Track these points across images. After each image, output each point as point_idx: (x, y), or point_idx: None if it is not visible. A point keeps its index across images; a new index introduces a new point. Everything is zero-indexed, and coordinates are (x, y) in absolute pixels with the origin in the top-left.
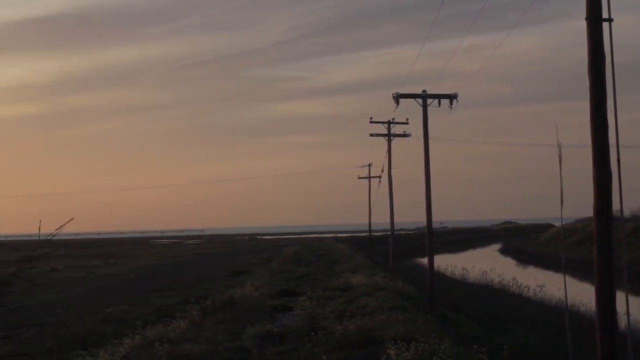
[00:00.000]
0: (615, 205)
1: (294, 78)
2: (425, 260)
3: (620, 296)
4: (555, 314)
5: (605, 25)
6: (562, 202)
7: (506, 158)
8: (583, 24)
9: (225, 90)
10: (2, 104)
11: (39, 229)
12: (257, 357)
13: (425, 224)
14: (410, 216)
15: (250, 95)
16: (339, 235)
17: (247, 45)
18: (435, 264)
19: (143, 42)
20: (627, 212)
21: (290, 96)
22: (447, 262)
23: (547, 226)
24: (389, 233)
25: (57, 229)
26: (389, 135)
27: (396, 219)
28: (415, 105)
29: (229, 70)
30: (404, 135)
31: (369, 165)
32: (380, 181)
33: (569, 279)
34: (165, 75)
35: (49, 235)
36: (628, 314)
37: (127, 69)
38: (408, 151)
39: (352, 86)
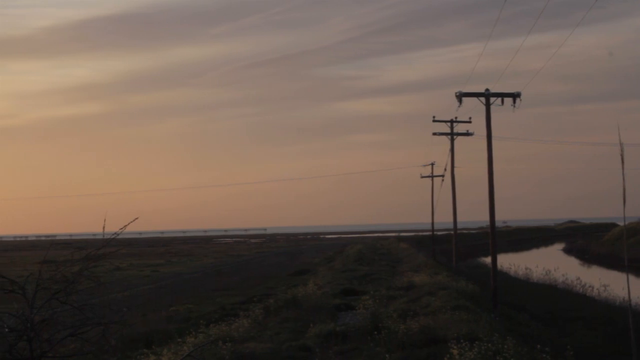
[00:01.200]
0: None
1: (358, 77)
2: (488, 260)
3: None
4: (619, 314)
5: None
6: (624, 201)
7: (569, 157)
8: None
9: (289, 89)
10: (68, 103)
11: (104, 228)
12: (320, 356)
13: (488, 222)
14: (473, 215)
15: (314, 94)
16: (402, 234)
17: (312, 44)
18: (499, 263)
19: (209, 41)
20: None
21: (353, 95)
22: (510, 262)
23: (611, 225)
24: (452, 232)
25: (121, 228)
26: (452, 134)
27: (459, 218)
28: (478, 104)
29: (293, 69)
30: (467, 134)
31: (432, 164)
32: (443, 180)
33: (632, 278)
34: (229, 75)
35: (113, 234)
36: None
37: (192, 68)
38: (471, 150)
39: (415, 85)
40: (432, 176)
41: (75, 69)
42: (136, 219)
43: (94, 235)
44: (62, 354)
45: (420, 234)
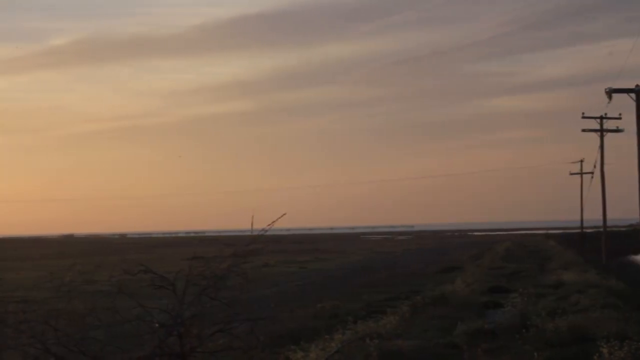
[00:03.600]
0: None
1: (506, 73)
2: (639, 258)
3: None
4: None
5: None
6: None
7: None
8: None
9: (436, 86)
10: (217, 102)
11: (252, 224)
12: (468, 354)
13: (639, 220)
14: (623, 213)
15: (460, 91)
16: (550, 231)
17: (459, 41)
18: None
19: (357, 38)
20: None
21: (500, 92)
22: None
23: None
24: (601, 230)
25: (269, 225)
26: (601, 131)
27: (608, 216)
28: (629, 100)
29: (441, 65)
30: (617, 130)
31: (581, 161)
32: (592, 177)
33: None
34: (377, 72)
35: (261, 231)
36: None
37: (340, 65)
38: (621, 147)
39: (563, 81)
40: (581, 173)
41: (224, 67)
42: (284, 215)
43: (242, 232)
44: (211, 349)
45: (568, 231)
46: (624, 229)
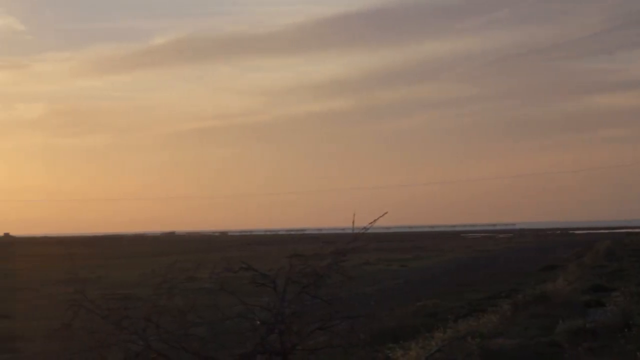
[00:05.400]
0: None
1: (607, 70)
2: None
3: None
4: None
5: None
6: None
7: None
8: None
9: (536, 84)
10: (315, 101)
11: (353, 222)
12: (569, 353)
13: None
14: None
15: (561, 89)
16: None
17: (559, 38)
18: None
19: (458, 35)
20: None
21: (601, 89)
22: None
23: None
24: None
25: (370, 223)
26: None
27: None
28: None
29: (541, 63)
30: None
31: None
32: None
33: None
34: (478, 69)
35: (362, 229)
36: None
37: (441, 62)
38: None
39: None
40: None
41: (323, 66)
42: (385, 213)
43: (343, 229)
44: (311, 346)
45: None
46: None
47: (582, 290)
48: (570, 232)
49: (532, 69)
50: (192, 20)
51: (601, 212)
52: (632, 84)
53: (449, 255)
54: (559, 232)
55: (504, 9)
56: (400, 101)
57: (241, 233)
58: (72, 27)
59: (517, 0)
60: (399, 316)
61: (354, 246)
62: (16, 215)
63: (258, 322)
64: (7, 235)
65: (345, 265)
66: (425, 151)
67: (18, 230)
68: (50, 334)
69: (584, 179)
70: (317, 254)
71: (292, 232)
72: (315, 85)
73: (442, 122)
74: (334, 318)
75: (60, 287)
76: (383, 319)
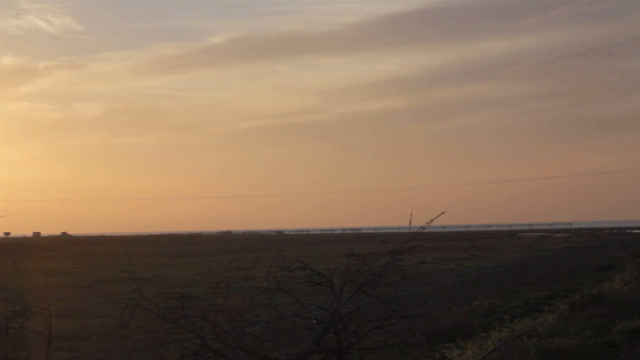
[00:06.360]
0: None
1: None
2: None
3: None
4: None
5: None
6: None
7: None
8: None
9: (593, 82)
10: (374, 99)
11: (410, 222)
12: (627, 353)
13: None
14: None
15: (620, 87)
16: None
17: (617, 36)
18: None
19: (515, 34)
20: None
21: None
22: None
23: None
24: None
25: (427, 222)
26: None
27: None
28: None
29: (598, 61)
30: None
31: None
32: None
33: None
34: (535, 68)
35: (419, 228)
36: None
37: (498, 61)
38: None
39: None
40: None
41: (381, 64)
42: (442, 213)
43: (399, 229)
44: (368, 346)
45: None
46: None
47: None
48: (628, 231)
49: (590, 67)
50: (249, 19)
51: None
52: None
53: (505, 255)
54: (616, 231)
55: (561, 8)
56: (456, 100)
57: (297, 232)
58: (129, 27)
59: None
60: (455, 316)
61: (411, 245)
62: (74, 214)
63: (314, 321)
64: (64, 234)
65: (402, 264)
66: (481, 150)
67: (75, 229)
68: (107, 332)
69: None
70: (373, 253)
71: (348, 231)
72: (372, 84)
73: (497, 121)
74: (391, 317)
75: (117, 286)
76: (439, 319)
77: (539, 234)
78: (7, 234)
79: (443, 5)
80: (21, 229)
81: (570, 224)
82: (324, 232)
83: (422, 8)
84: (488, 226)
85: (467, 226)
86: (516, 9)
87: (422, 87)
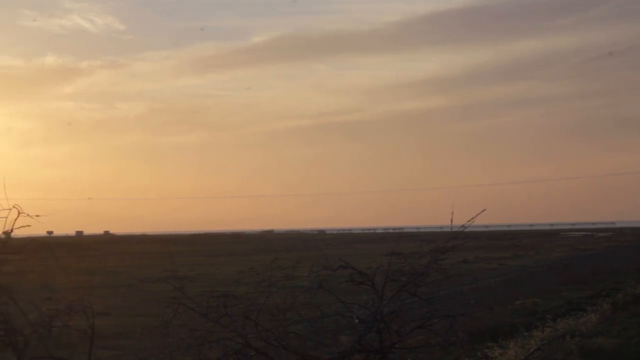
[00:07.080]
0: None
1: None
2: None
3: None
4: None
5: None
6: None
7: None
8: None
9: (633, 81)
10: (415, 98)
11: (452, 220)
12: None
13: None
14: None
15: None
16: None
17: None
18: None
19: (555, 33)
20: None
21: None
22: None
23: None
24: None
25: (469, 221)
26: None
27: None
28: None
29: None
30: None
31: None
32: None
33: None
34: (577, 67)
35: (461, 227)
36: None
37: (538, 60)
38: None
39: None
40: None
41: (421, 63)
42: (483, 211)
43: (441, 227)
44: (410, 345)
45: None
46: None
47: None
48: None
49: (629, 66)
50: (290, 18)
51: None
52: None
53: (548, 254)
54: None
55: (600, 7)
56: (495, 99)
57: (339, 231)
58: (171, 26)
59: None
60: (497, 315)
61: (453, 244)
62: (116, 213)
63: (356, 321)
64: (107, 233)
65: (444, 263)
66: (521, 149)
67: (118, 228)
68: (149, 331)
69: None
70: (415, 252)
71: (390, 230)
72: (414, 83)
73: (537, 120)
74: (433, 317)
75: (158, 285)
76: (482, 318)
77: (582, 233)
78: (49, 232)
79: (483, 4)
80: (64, 227)
81: (613, 223)
82: (366, 232)
83: (461, 7)
84: (531, 225)
85: (509, 225)
86: (555, 8)
87: (461, 86)
